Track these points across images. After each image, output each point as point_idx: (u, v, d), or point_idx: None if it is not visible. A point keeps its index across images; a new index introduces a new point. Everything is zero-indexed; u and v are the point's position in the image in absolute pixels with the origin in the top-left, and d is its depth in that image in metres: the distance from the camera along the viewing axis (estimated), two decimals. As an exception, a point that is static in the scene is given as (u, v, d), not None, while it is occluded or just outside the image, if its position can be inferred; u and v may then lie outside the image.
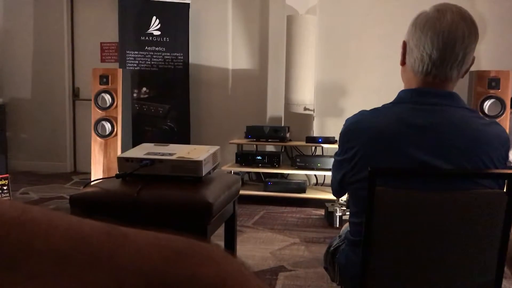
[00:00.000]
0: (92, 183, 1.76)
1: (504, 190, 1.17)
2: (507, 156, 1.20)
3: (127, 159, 1.70)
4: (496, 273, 1.19)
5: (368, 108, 1.28)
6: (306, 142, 4.35)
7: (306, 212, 4.00)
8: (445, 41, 1.16)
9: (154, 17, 4.97)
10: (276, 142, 4.43)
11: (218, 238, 2.15)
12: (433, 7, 1.20)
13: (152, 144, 1.90)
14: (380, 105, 1.27)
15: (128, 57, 4.97)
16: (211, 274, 0.26)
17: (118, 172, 1.72)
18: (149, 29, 4.98)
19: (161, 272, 0.26)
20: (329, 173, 1.41)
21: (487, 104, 3.76)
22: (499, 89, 3.78)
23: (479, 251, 1.18)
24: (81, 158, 5.70)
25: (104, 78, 4.07)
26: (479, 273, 1.20)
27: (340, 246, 1.48)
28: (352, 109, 4.50)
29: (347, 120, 1.29)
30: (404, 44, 1.25)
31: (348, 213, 3.35)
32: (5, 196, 3.71)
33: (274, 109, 5.06)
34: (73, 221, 0.27)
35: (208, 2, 5.21)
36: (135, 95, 4.93)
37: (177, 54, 5.02)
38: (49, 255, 0.25)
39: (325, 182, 4.72)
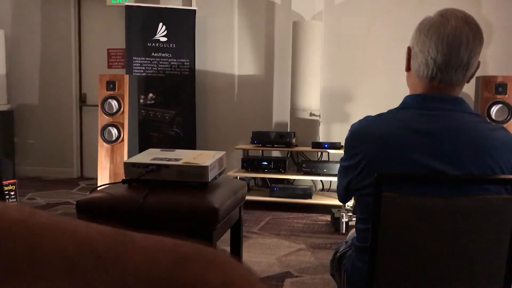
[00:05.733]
0: (98, 189, 1.77)
1: (512, 196, 1.16)
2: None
3: (134, 165, 1.70)
4: (505, 281, 1.18)
5: (374, 114, 1.27)
6: (312, 148, 4.35)
7: (312, 218, 3.99)
8: (449, 45, 1.15)
9: (161, 24, 5.00)
10: (282, 147, 4.42)
11: (224, 243, 2.15)
12: (437, 12, 1.20)
13: (158, 150, 1.90)
14: (386, 111, 1.27)
15: (135, 63, 5.00)
16: (217, 279, 0.26)
17: (124, 178, 1.72)
18: (155, 35, 5.00)
19: (168, 276, 0.26)
20: (335, 179, 1.40)
21: (494, 109, 3.74)
22: (506, 94, 3.76)
23: (486, 258, 1.17)
24: (88, 164, 5.73)
25: (111, 84, 4.09)
26: (487, 281, 1.19)
27: (346, 252, 1.47)
28: (358, 114, 4.49)
29: (352, 126, 1.28)
30: (409, 50, 1.25)
31: (354, 218, 3.34)
32: (12, 201, 3.73)
33: (280, 115, 5.06)
34: (80, 225, 0.27)
35: (214, 8, 5.24)
36: (141, 101, 4.95)
37: (183, 60, 5.04)
38: (55, 258, 0.25)
39: (331, 187, 4.70)
